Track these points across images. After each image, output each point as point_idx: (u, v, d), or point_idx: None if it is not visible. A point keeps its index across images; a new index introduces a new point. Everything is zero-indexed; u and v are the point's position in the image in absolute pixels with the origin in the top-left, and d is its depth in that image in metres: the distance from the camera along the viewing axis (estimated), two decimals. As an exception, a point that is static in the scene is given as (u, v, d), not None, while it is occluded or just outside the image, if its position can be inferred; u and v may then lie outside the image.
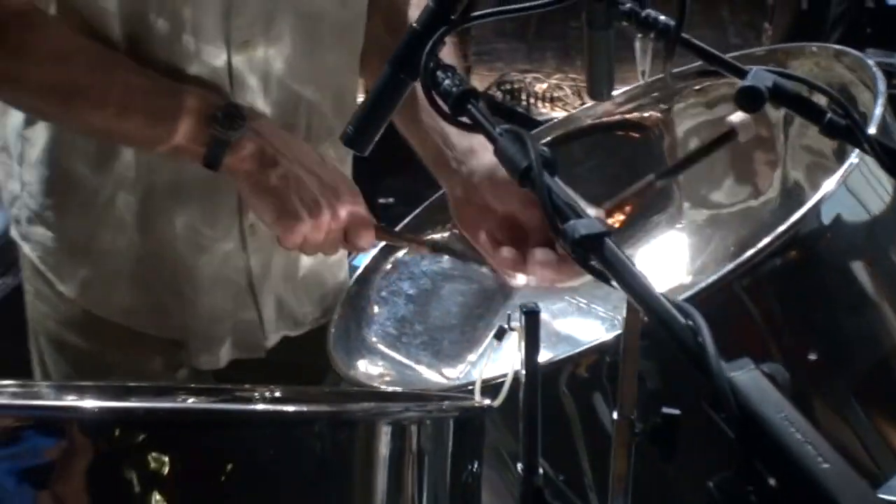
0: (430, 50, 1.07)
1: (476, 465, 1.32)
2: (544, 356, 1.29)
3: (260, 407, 1.50)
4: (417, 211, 1.98)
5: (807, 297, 1.47)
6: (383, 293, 1.87)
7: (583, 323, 1.80)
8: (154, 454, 1.07)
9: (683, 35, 1.16)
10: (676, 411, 1.09)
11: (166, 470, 1.07)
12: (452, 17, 1.09)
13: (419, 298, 1.89)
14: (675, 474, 1.43)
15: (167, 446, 1.07)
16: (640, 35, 1.79)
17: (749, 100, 1.12)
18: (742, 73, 1.13)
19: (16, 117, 1.69)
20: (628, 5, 1.20)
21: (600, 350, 1.42)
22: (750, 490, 0.83)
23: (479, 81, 5.25)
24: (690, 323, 0.88)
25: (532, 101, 5.14)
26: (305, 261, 1.78)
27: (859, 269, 1.53)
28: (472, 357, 1.82)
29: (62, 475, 1.03)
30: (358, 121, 1.16)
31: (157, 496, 1.08)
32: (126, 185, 1.65)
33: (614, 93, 1.88)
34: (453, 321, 1.88)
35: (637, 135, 2.01)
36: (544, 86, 5.37)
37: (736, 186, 1.93)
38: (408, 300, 1.88)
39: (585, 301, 1.80)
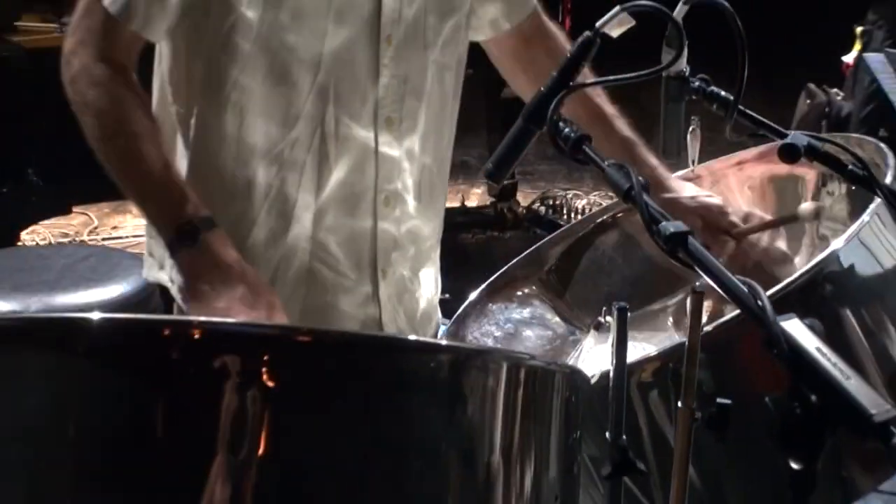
0: (554, 107, 1.38)
1: (579, 434, 1.46)
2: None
3: (413, 338, 1.71)
4: (505, 268, 2.22)
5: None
6: (475, 334, 2.12)
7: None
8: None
9: (739, 106, 1.50)
10: (728, 401, 1.30)
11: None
12: (571, 83, 1.42)
13: (504, 340, 2.13)
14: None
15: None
16: (691, 129, 2.05)
17: (789, 154, 1.44)
18: (784, 136, 1.46)
19: None
20: (697, 83, 1.53)
21: (663, 357, 1.63)
22: (795, 405, 1.13)
23: (524, 198, 5.55)
24: (753, 292, 1.19)
25: (573, 214, 5.44)
26: (422, 302, 2.01)
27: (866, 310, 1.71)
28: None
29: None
30: (497, 160, 1.45)
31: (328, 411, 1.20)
32: (298, 255, 1.88)
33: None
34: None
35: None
36: (583, 202, 5.67)
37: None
38: (495, 341, 2.13)
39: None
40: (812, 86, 5.10)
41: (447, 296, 4.12)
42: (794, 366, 1.12)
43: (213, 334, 1.24)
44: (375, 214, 1.89)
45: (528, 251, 2.27)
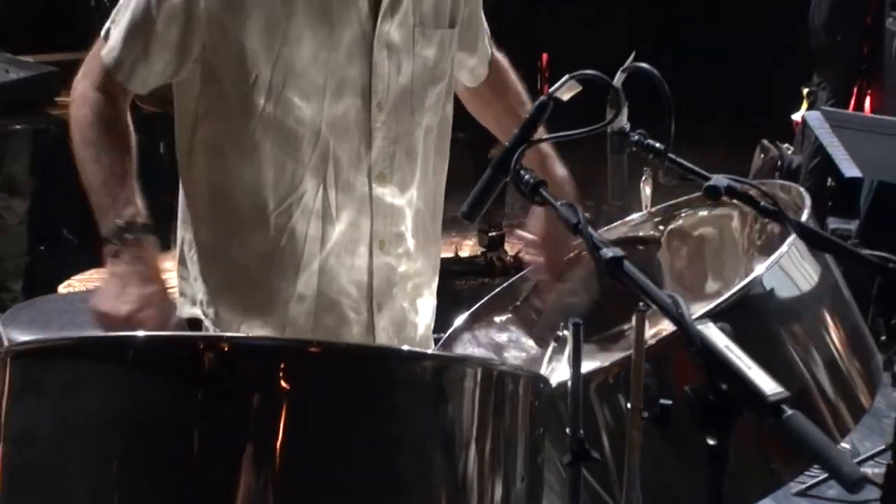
0: (516, 159, 1.54)
1: (542, 430, 1.57)
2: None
3: (405, 347, 1.87)
4: (485, 299, 2.33)
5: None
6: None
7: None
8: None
9: (670, 155, 1.66)
10: (670, 401, 1.42)
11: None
12: (529, 140, 1.57)
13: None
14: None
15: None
16: (644, 178, 2.19)
17: (711, 193, 1.61)
18: (708, 178, 1.63)
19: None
20: (636, 137, 1.70)
21: (616, 366, 1.75)
22: (709, 392, 1.28)
23: (511, 248, 5.61)
24: (675, 303, 1.35)
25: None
26: (420, 328, 2.12)
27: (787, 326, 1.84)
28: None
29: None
30: (471, 203, 1.60)
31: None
32: (308, 292, 1.97)
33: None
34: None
35: (641, 247, 2.35)
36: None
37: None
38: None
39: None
40: (766, 141, 5.22)
41: (441, 335, 4.28)
42: (706, 360, 1.27)
43: (240, 347, 1.39)
44: (371, 256, 1.99)
45: (504, 285, 2.40)
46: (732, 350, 1.27)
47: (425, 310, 2.14)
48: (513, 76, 2.26)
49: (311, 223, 1.94)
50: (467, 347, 2.25)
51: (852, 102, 5.08)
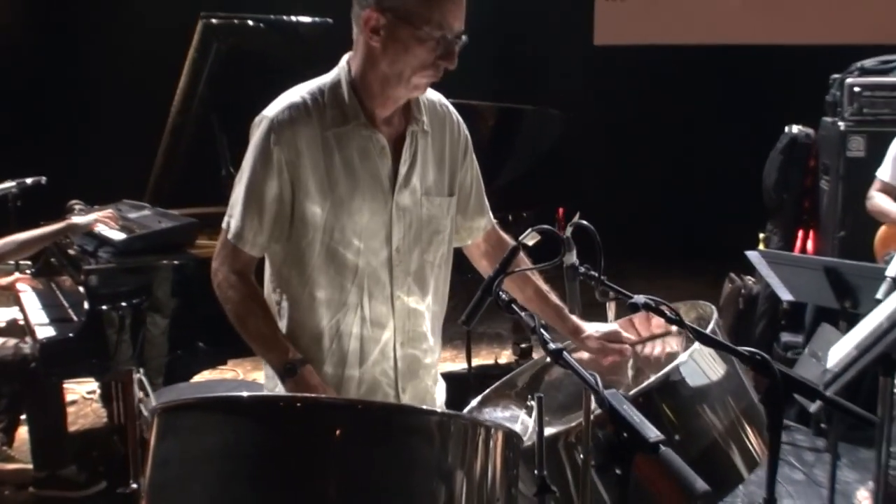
0: (497, 284, 1.79)
1: (516, 472, 1.70)
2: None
3: (419, 406, 1.99)
4: (491, 388, 2.48)
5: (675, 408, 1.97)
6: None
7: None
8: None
9: (606, 282, 1.92)
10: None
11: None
12: (506, 272, 1.84)
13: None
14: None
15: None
16: (608, 301, 2.35)
17: (632, 308, 1.85)
18: (630, 297, 1.87)
19: None
20: (583, 269, 1.94)
21: (574, 430, 1.90)
22: (615, 437, 1.47)
23: (536, 355, 5.80)
24: (598, 386, 1.56)
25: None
26: (439, 399, 2.23)
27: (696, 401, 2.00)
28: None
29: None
30: (468, 314, 1.81)
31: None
32: (354, 378, 2.08)
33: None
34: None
35: None
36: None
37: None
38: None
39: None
40: (733, 274, 5.29)
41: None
42: (611, 415, 1.48)
43: (309, 404, 1.62)
44: (395, 351, 2.10)
45: (505, 378, 2.54)
46: (627, 408, 1.49)
47: (441, 386, 2.27)
48: (507, 240, 2.31)
49: (353, 336, 2.08)
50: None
51: (798, 244, 5.16)
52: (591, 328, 2.25)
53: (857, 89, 4.62)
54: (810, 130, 5.18)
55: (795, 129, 5.20)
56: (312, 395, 1.83)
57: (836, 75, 4.88)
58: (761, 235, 5.36)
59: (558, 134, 5.70)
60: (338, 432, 1.53)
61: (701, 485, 1.40)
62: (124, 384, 3.78)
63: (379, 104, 2.02)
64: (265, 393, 1.88)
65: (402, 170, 2.05)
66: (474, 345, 5.39)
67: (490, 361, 6.00)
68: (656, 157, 8.34)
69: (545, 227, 1.83)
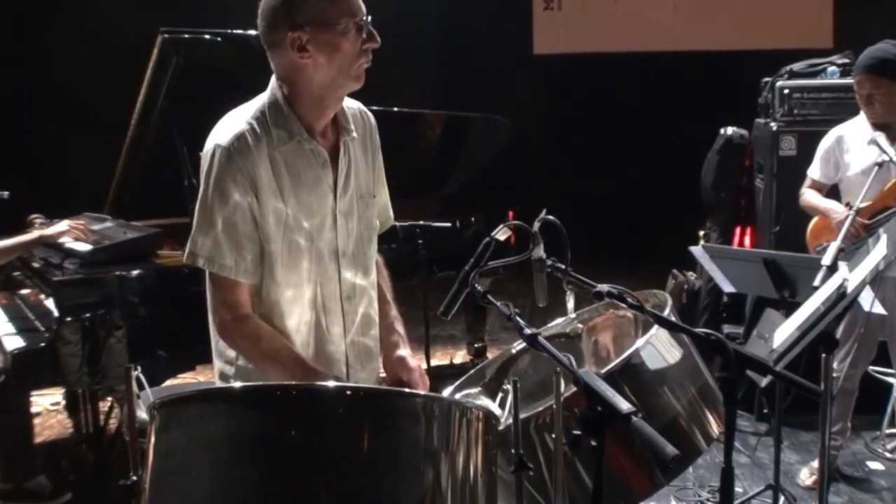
0: (473, 277, 1.91)
1: (495, 452, 1.77)
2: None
3: (406, 390, 2.02)
4: (463, 378, 2.64)
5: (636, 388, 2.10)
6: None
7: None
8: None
9: (571, 274, 2.03)
10: (579, 432, 1.66)
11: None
12: (480, 265, 1.95)
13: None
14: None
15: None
16: (567, 293, 2.45)
17: (597, 296, 1.95)
18: (595, 286, 1.98)
19: None
20: (550, 262, 2.04)
21: (546, 412, 2.05)
22: (590, 411, 1.60)
23: (491, 354, 5.90)
24: (572, 364, 1.69)
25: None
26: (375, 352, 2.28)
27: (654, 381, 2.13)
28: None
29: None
30: (446, 305, 1.93)
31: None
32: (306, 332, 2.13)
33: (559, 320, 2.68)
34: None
35: (565, 339, 2.67)
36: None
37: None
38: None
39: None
40: (675, 271, 5.46)
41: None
42: (586, 390, 1.60)
43: (303, 391, 1.67)
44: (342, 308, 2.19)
45: (474, 369, 2.69)
46: (600, 385, 1.62)
47: (376, 337, 2.31)
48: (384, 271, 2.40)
49: (308, 299, 2.15)
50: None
51: (736, 240, 5.34)
52: (399, 353, 2.28)
53: (787, 91, 4.80)
54: (744, 132, 5.37)
55: (730, 130, 5.40)
56: (305, 382, 1.88)
57: (767, 79, 5.06)
58: (701, 233, 5.52)
59: (504, 140, 5.84)
60: (330, 416, 1.60)
61: (671, 449, 1.52)
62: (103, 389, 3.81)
63: (316, 117, 2.11)
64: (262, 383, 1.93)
65: (341, 179, 2.16)
66: (430, 346, 5.47)
67: (446, 362, 6.11)
68: (597, 161, 8.52)
69: (515, 222, 1.94)
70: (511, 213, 5.58)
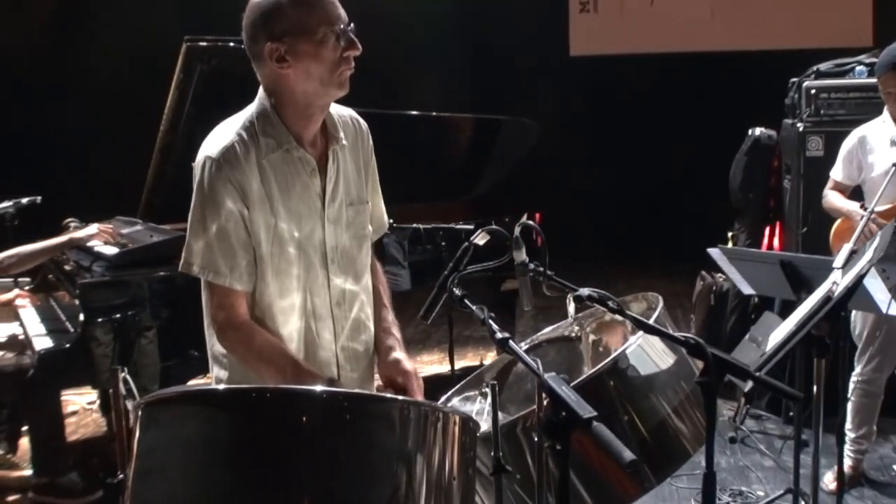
0: (452, 281, 1.93)
1: (473, 454, 1.77)
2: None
3: (387, 395, 1.88)
4: (461, 383, 2.65)
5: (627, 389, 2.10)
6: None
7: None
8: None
9: (553, 277, 2.03)
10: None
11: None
12: (459, 270, 1.97)
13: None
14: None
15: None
16: (568, 299, 2.42)
17: (577, 300, 1.96)
18: (576, 290, 1.97)
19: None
20: (532, 265, 2.05)
21: (531, 414, 2.03)
22: (554, 415, 1.58)
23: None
24: (539, 370, 1.70)
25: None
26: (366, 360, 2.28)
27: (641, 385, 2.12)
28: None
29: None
30: (426, 309, 1.95)
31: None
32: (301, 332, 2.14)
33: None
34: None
35: (565, 342, 2.71)
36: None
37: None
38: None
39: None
40: (704, 272, 5.40)
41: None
42: (549, 394, 1.60)
43: (279, 394, 1.69)
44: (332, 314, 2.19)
45: (472, 374, 2.69)
46: (565, 389, 1.61)
47: (370, 343, 2.30)
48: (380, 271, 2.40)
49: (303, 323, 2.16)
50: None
51: (765, 241, 5.27)
52: (394, 356, 2.24)
53: (813, 91, 4.73)
54: (773, 132, 5.30)
55: (758, 131, 5.33)
56: (281, 385, 1.90)
57: (794, 79, 5.00)
58: (729, 234, 5.49)
59: (533, 143, 5.83)
60: (304, 419, 1.62)
61: (628, 454, 1.51)
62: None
63: (303, 126, 2.12)
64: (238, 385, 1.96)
65: (329, 186, 2.17)
66: (461, 348, 5.50)
67: (476, 363, 6.11)
68: (632, 162, 8.47)
69: (495, 227, 1.95)
70: (539, 216, 5.59)
